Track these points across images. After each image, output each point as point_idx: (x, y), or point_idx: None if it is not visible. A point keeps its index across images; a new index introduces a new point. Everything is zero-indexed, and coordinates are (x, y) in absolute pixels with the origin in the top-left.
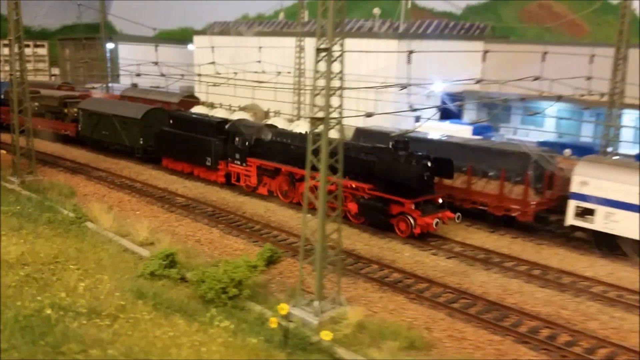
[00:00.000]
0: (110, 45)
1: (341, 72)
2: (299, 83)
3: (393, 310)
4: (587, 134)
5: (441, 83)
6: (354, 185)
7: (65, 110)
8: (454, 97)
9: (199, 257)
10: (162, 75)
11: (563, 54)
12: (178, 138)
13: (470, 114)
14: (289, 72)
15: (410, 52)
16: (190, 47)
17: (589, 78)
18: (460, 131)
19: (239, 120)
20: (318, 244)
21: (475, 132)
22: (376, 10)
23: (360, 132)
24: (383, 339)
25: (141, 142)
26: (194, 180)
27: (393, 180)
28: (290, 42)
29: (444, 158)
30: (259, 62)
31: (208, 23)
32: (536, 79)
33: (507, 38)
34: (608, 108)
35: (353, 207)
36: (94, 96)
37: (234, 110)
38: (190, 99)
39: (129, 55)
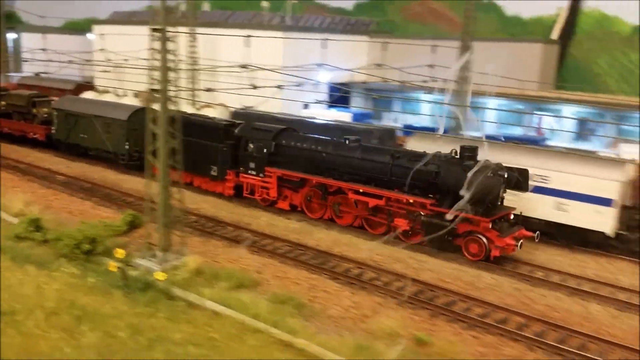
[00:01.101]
0: (12, 35)
1: (176, 50)
2: (192, 70)
3: (234, 260)
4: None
5: (327, 72)
6: (411, 200)
7: (34, 111)
8: (340, 87)
9: (68, 225)
10: (50, 61)
11: (420, 46)
12: None
13: (357, 103)
14: (181, 60)
15: (248, 35)
16: (89, 36)
17: (431, 66)
18: (341, 117)
19: (251, 124)
20: (160, 203)
21: (355, 119)
22: (265, 4)
23: (237, 115)
24: (217, 280)
25: (127, 147)
26: (88, 163)
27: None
28: (182, 31)
29: (519, 168)
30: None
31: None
32: (379, 65)
33: (390, 33)
34: (455, 94)
35: (402, 223)
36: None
37: (126, 96)
38: (87, 87)
39: (34, 45)
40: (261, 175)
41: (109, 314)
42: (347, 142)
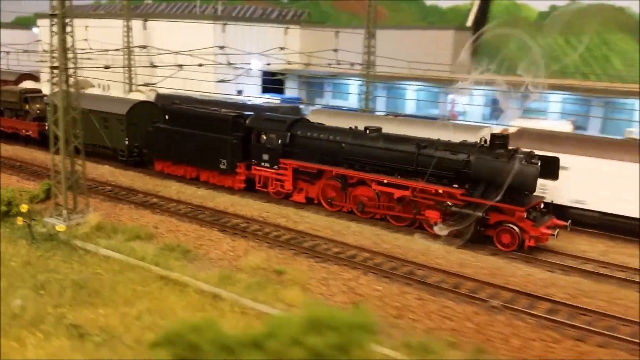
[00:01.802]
0: None
1: (72, 31)
2: (128, 59)
3: (136, 218)
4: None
5: (257, 60)
6: (440, 190)
7: (26, 107)
8: (274, 74)
9: None
10: None
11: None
12: (178, 137)
13: (291, 89)
14: (117, 50)
15: (146, 20)
16: (34, 30)
17: (335, 50)
18: (271, 101)
19: (262, 114)
20: (62, 169)
21: (284, 102)
22: None
23: (160, 97)
24: (115, 234)
25: (126, 143)
26: (21, 145)
27: (499, 184)
28: (117, 23)
29: (549, 156)
30: (86, 40)
31: None
32: (282, 48)
33: (323, 23)
34: (365, 77)
35: (433, 215)
36: None
37: None
38: (27, 77)
39: None
40: (275, 167)
41: (9, 252)
42: (367, 131)
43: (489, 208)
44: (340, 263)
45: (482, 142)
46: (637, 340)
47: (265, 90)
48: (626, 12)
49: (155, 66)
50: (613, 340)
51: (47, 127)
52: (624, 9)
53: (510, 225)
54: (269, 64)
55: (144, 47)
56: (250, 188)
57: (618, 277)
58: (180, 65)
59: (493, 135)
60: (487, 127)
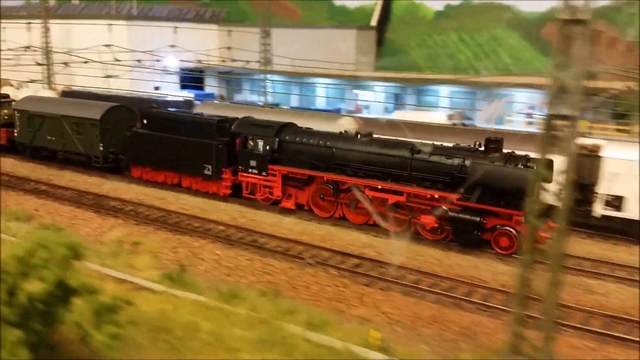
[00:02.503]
0: None
1: None
2: (47, 58)
3: (20, 202)
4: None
5: (174, 58)
6: (436, 196)
7: None
8: (190, 71)
9: None
10: None
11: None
12: (158, 142)
13: (211, 87)
14: (35, 50)
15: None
16: None
17: (229, 48)
18: (187, 96)
19: (248, 119)
20: None
21: (198, 98)
22: None
23: (65, 93)
24: None
25: (101, 149)
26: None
27: (496, 187)
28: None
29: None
30: (4, 41)
31: None
32: (172, 47)
33: (242, 22)
34: (263, 74)
35: (428, 220)
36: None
37: None
38: None
39: None
40: (263, 174)
41: None
42: (358, 136)
43: (486, 212)
44: (193, 234)
45: (477, 146)
46: (410, 284)
47: (184, 87)
48: (512, 10)
49: (39, 64)
50: (394, 285)
51: (15, 133)
52: (510, 7)
53: (508, 228)
54: (188, 62)
55: (27, 47)
56: (236, 194)
57: (431, 240)
58: (65, 63)
59: (487, 139)
60: (345, 116)
